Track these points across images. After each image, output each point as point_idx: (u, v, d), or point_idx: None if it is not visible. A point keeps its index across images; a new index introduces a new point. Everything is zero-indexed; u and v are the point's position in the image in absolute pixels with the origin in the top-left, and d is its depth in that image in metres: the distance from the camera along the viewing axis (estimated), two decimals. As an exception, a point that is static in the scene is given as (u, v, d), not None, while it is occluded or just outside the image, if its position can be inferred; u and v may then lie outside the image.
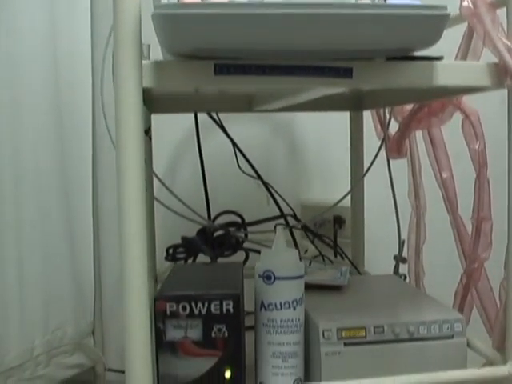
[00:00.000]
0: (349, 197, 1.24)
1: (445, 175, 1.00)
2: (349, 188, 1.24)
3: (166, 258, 1.12)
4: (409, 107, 1.02)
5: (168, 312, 0.75)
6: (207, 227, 1.09)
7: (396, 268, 1.10)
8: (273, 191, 1.20)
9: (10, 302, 1.10)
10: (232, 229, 1.09)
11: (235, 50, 0.63)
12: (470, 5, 0.73)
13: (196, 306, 0.75)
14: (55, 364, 1.23)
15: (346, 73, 0.67)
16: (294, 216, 1.21)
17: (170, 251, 1.12)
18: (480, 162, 0.90)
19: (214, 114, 1.21)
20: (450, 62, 0.72)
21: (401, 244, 1.09)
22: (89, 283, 1.34)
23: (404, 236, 1.10)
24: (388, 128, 1.10)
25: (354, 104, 1.16)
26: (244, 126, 1.30)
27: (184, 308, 0.75)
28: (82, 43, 1.26)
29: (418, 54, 0.69)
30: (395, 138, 1.04)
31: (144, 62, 0.64)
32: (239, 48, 0.62)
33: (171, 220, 1.10)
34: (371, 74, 0.68)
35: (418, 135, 1.05)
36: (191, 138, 1.27)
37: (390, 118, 1.10)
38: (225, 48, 0.62)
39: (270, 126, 1.38)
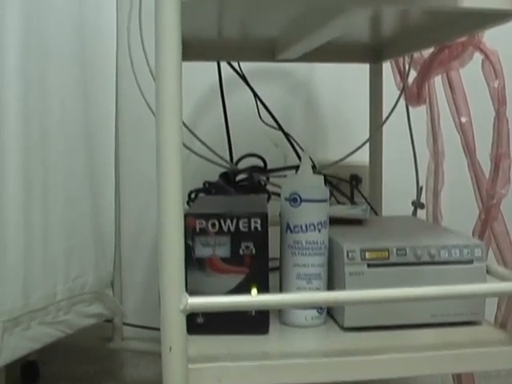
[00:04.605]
0: (367, 155, 1.26)
1: (463, 120, 1.02)
2: (367, 149, 1.26)
3: (188, 203, 1.14)
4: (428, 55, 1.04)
5: (197, 229, 0.78)
6: (229, 171, 1.11)
7: (414, 213, 1.12)
8: (292, 140, 1.23)
9: (34, 246, 1.12)
10: (254, 172, 1.11)
11: None
12: None
13: (225, 223, 0.77)
14: (75, 311, 1.26)
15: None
16: (314, 167, 1.23)
17: (192, 196, 1.14)
18: (499, 100, 0.92)
19: (236, 67, 1.23)
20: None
21: (419, 190, 1.12)
22: (110, 234, 1.37)
23: (422, 182, 1.12)
24: (407, 78, 1.13)
25: (374, 55, 1.18)
26: (262, 87, 1.32)
27: (213, 225, 0.77)
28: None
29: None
30: (415, 84, 1.06)
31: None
32: None
33: (193, 166, 1.13)
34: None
35: (438, 83, 1.07)
36: (214, 93, 1.30)
37: (409, 69, 1.12)
38: None
39: (289, 84, 1.40)
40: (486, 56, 0.93)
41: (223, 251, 0.78)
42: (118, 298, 1.43)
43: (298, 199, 0.81)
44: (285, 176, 1.14)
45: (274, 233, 0.83)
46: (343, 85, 1.39)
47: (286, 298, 0.73)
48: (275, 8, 0.83)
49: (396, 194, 1.20)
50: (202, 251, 0.78)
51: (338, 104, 1.41)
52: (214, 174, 1.16)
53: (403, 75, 1.13)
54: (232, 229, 0.78)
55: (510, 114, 0.95)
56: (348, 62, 1.18)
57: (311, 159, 1.25)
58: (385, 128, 1.19)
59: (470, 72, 1.00)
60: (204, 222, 0.78)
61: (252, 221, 0.78)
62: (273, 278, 0.82)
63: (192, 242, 0.78)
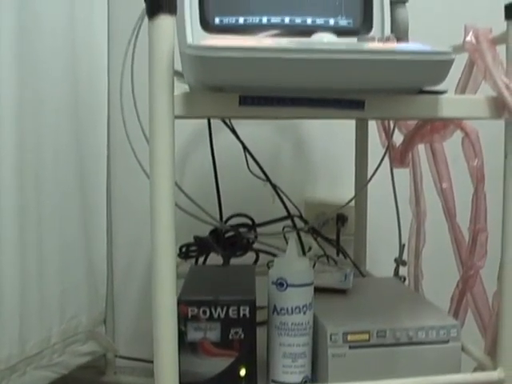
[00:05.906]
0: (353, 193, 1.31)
1: (444, 185, 1.06)
2: (353, 188, 1.31)
3: (179, 256, 1.19)
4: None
5: (189, 315, 0.83)
6: (219, 228, 1.15)
7: (396, 270, 1.17)
8: (280, 192, 1.27)
9: (30, 293, 1.17)
10: (243, 230, 1.15)
11: (258, 86, 0.69)
12: (473, 40, 0.80)
13: (215, 311, 0.83)
14: (70, 352, 1.30)
15: (359, 105, 0.74)
16: (300, 216, 1.28)
17: (183, 249, 1.19)
18: (478, 178, 0.96)
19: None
20: (452, 96, 0.79)
21: (401, 248, 1.16)
22: (102, 272, 1.41)
23: (404, 240, 1.17)
24: (392, 137, 1.17)
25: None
26: (252, 127, 1.36)
27: (204, 312, 0.83)
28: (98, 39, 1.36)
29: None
30: (399, 150, 1.11)
31: (176, 93, 0.70)
32: (262, 84, 0.69)
33: (181, 220, 1.17)
34: (382, 106, 0.75)
35: (421, 147, 1.11)
36: (197, 140, 1.34)
37: (394, 128, 1.16)
38: (249, 84, 0.69)
39: (277, 127, 1.44)
40: (466, 134, 0.97)
41: (214, 336, 0.83)
42: (111, 332, 1.47)
43: (285, 284, 0.85)
44: (272, 234, 1.18)
45: (261, 282, 0.90)
46: (331, 128, 1.42)
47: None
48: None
49: (380, 246, 1.25)
50: (193, 335, 0.83)
51: (325, 148, 1.45)
52: (203, 227, 1.20)
53: (388, 135, 1.17)
54: (222, 315, 0.83)
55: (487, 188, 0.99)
56: (334, 118, 1.22)
57: (299, 211, 1.31)
58: (370, 182, 1.23)
59: (453, 141, 1.04)
60: (196, 310, 0.83)
61: (241, 308, 0.83)
62: (260, 334, 0.87)
63: (184, 327, 0.83)
